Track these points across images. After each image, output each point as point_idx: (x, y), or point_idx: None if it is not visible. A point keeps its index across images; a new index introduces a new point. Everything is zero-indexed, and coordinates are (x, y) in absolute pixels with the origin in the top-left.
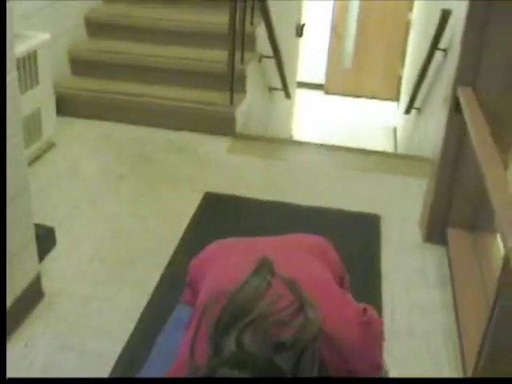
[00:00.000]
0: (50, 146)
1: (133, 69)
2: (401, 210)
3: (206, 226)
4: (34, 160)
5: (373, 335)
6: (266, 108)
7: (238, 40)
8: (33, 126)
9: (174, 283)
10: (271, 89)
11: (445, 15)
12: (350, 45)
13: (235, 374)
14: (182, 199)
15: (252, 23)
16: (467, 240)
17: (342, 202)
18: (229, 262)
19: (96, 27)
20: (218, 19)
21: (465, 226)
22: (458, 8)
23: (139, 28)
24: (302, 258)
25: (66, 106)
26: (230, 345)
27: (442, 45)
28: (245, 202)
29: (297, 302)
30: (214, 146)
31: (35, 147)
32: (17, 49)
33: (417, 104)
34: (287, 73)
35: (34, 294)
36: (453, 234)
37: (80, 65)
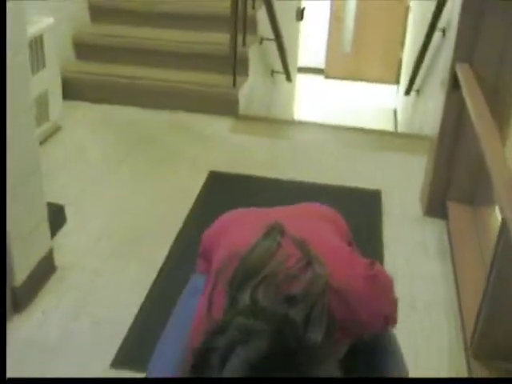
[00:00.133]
0: (57, 128)
1: (136, 52)
2: (402, 186)
3: (211, 203)
4: (42, 142)
5: (380, 288)
6: (268, 91)
7: (239, 23)
8: (40, 108)
9: (183, 256)
10: (273, 72)
11: None
12: (349, 29)
13: (250, 323)
14: (187, 178)
15: (253, 7)
16: (466, 213)
17: (344, 179)
18: (242, 229)
19: (99, 12)
20: (219, 2)
21: (464, 200)
22: None
23: (141, 12)
24: (313, 223)
25: (70, 89)
26: (244, 299)
27: (440, 24)
28: (249, 179)
29: (305, 258)
30: (218, 127)
31: (42, 130)
32: None
33: (416, 86)
34: (288, 56)
35: (47, 267)
36: (452, 207)
37: (84, 49)
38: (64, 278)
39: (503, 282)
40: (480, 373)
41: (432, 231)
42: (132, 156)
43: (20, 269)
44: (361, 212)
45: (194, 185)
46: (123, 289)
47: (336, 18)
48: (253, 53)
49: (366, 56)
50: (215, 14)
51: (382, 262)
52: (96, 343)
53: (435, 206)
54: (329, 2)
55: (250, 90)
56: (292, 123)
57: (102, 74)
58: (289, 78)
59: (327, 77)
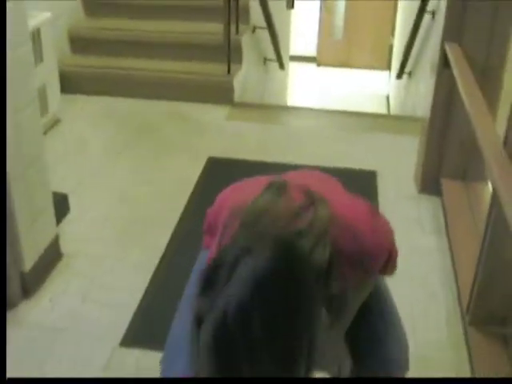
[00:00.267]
0: (56, 121)
1: (131, 44)
2: (396, 166)
3: (210, 187)
4: None
5: (382, 222)
6: (261, 79)
7: (232, 13)
8: (39, 102)
9: (185, 241)
10: (266, 60)
11: None
12: (340, 16)
13: (259, 249)
14: (186, 165)
15: None
16: (460, 189)
17: (339, 161)
18: (243, 192)
19: (92, 6)
20: None
21: (457, 176)
22: None
23: (135, 5)
24: (315, 175)
25: (67, 83)
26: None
27: (429, 8)
28: (246, 164)
29: (308, 200)
30: (214, 115)
31: (42, 123)
32: None
33: (408, 68)
34: (280, 44)
35: (53, 254)
36: (446, 183)
37: (79, 43)
38: (70, 264)
39: (496, 250)
40: (476, 338)
41: (427, 208)
42: (131, 146)
43: (28, 255)
44: (355, 191)
45: (193, 171)
46: (127, 274)
47: (326, 6)
48: (246, 41)
49: (358, 43)
50: (208, 5)
51: None
52: (104, 325)
53: (429, 183)
54: None
55: (244, 78)
56: (287, 109)
57: (98, 67)
58: (282, 65)
59: (319, 65)
